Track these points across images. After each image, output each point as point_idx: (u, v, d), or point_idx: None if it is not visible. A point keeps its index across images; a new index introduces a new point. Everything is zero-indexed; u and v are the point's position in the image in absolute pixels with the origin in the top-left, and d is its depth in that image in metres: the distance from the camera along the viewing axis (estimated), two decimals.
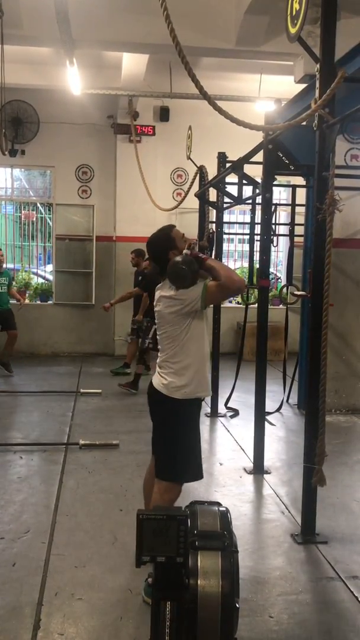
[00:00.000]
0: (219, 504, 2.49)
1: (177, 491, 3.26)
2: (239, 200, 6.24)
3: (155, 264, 3.36)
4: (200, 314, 3.21)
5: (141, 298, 7.74)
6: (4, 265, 9.05)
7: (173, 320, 3.19)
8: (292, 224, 7.38)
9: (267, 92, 8.83)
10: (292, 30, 3.45)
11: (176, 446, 3.22)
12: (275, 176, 5.30)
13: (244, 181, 5.91)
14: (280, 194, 10.61)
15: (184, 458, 3.23)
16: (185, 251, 3.18)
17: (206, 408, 6.87)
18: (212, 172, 7.13)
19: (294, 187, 7.43)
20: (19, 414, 6.89)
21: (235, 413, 6.79)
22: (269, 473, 5.03)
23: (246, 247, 9.37)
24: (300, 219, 7.52)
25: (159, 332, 3.30)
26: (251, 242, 7.24)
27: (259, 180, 5.42)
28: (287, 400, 7.29)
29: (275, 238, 7.10)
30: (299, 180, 7.27)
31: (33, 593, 3.16)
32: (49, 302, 10.59)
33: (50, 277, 11.14)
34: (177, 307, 3.15)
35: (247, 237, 7.95)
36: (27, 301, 10.12)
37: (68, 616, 2.98)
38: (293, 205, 7.38)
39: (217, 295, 3.26)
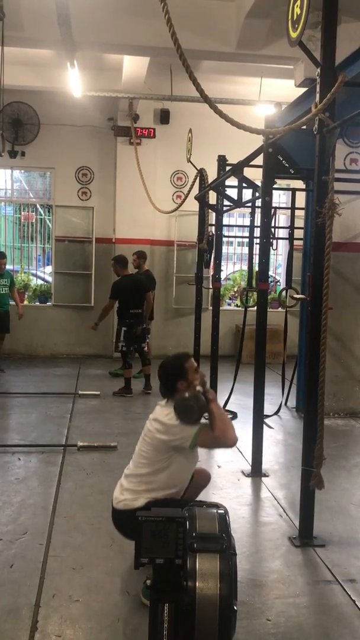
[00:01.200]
0: (217, 506, 2.49)
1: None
2: (238, 203, 6.26)
3: (162, 385, 3.37)
4: (187, 452, 3.21)
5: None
6: (7, 267, 9.01)
7: (158, 446, 3.19)
8: (291, 227, 7.39)
9: (268, 95, 8.85)
10: (293, 35, 3.46)
11: None
12: (275, 179, 5.31)
13: (244, 184, 5.93)
14: (279, 198, 10.63)
15: None
16: (198, 388, 3.21)
17: None
18: (212, 175, 7.15)
19: (293, 191, 7.45)
20: (17, 415, 6.88)
21: (234, 416, 6.78)
22: (267, 476, 5.03)
23: (245, 249, 9.38)
24: (299, 222, 7.53)
25: (140, 448, 3.30)
26: (250, 245, 7.26)
27: (259, 184, 5.43)
28: (286, 403, 7.29)
29: (274, 241, 7.11)
30: (299, 183, 7.28)
31: (30, 595, 3.15)
32: (48, 303, 10.59)
33: (50, 279, 11.14)
34: (166, 437, 3.16)
35: (247, 240, 7.97)
36: (25, 302, 10.14)
37: (65, 618, 2.97)
38: (293, 208, 7.40)
39: (207, 443, 3.28)
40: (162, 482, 3.19)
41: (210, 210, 7.35)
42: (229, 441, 3.19)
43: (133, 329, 7.67)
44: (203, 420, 3.19)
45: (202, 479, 3.56)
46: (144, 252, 8.88)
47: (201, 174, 7.43)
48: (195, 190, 7.67)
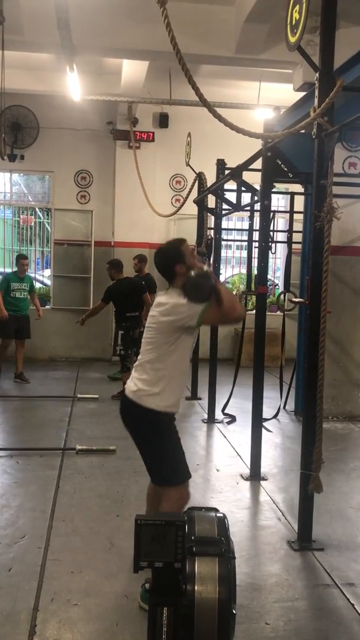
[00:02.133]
0: (216, 510, 2.49)
1: (184, 493, 3.24)
2: (237, 207, 6.27)
3: (161, 274, 3.35)
4: (191, 331, 3.20)
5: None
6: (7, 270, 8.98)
7: (164, 329, 3.16)
8: (290, 231, 7.40)
9: (266, 99, 8.88)
10: (292, 39, 3.48)
11: (157, 453, 3.22)
12: (274, 183, 5.32)
13: (243, 188, 5.93)
14: (278, 201, 10.65)
15: (169, 461, 3.22)
16: (205, 267, 3.20)
17: (203, 414, 6.87)
18: (210, 178, 7.16)
19: (292, 195, 7.47)
20: (16, 418, 6.88)
21: (232, 419, 6.79)
22: (266, 479, 5.03)
23: (244, 253, 9.39)
24: (298, 226, 7.55)
25: (146, 335, 3.28)
26: (249, 248, 7.26)
27: (258, 188, 5.44)
28: (284, 407, 7.29)
29: (273, 245, 7.12)
30: (298, 187, 7.29)
31: (29, 598, 3.15)
32: (47, 306, 10.58)
33: (48, 282, 11.15)
34: (172, 318, 3.13)
35: (246, 243, 7.98)
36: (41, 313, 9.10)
37: (64, 622, 2.97)
38: (291, 212, 7.42)
39: (215, 318, 3.25)
40: (170, 367, 3.16)
41: (209, 214, 7.36)
42: (237, 315, 3.16)
43: (130, 332, 7.68)
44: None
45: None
46: (145, 256, 8.88)
47: (200, 177, 7.44)
48: (194, 194, 7.68)
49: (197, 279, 3.10)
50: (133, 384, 3.24)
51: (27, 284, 8.69)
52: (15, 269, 8.98)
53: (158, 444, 3.22)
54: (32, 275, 11.38)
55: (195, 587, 2.13)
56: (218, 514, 2.43)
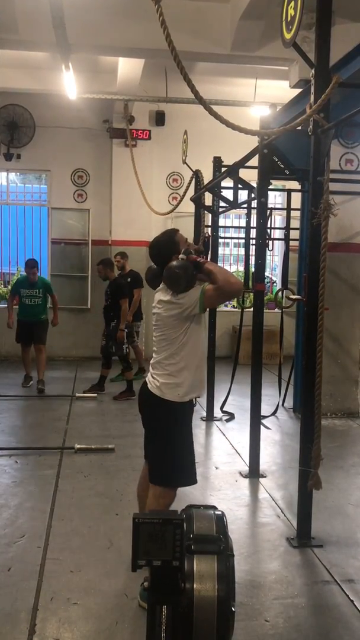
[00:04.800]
0: (214, 508, 2.49)
1: (172, 495, 3.27)
2: (234, 204, 6.26)
3: (156, 264, 3.37)
4: (199, 318, 3.24)
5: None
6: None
7: (172, 324, 3.20)
8: (287, 228, 7.40)
9: (262, 97, 8.87)
10: (287, 36, 3.47)
11: (171, 451, 3.23)
12: (271, 180, 5.32)
13: (240, 185, 5.93)
14: (275, 199, 10.64)
15: (179, 463, 3.23)
16: (181, 256, 3.19)
17: (202, 412, 6.87)
18: (207, 176, 7.15)
19: (289, 192, 7.46)
20: (14, 418, 6.87)
21: (231, 417, 6.79)
22: (265, 477, 5.04)
23: (241, 251, 9.38)
24: (295, 223, 7.54)
25: (156, 334, 3.31)
26: (247, 246, 7.26)
27: (254, 185, 5.44)
28: (283, 404, 7.30)
29: (270, 242, 7.11)
30: (294, 184, 7.29)
31: (28, 598, 3.15)
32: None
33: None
34: (176, 311, 3.18)
35: (243, 241, 7.97)
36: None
37: (63, 621, 2.97)
38: (288, 209, 7.41)
39: (215, 298, 3.26)
40: (187, 357, 3.21)
41: (206, 212, 7.36)
42: (234, 286, 3.15)
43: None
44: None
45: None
46: (126, 253, 8.87)
47: (197, 175, 7.42)
48: (191, 192, 7.66)
49: (171, 272, 3.12)
50: (155, 380, 3.27)
51: (38, 290, 8.19)
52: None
53: (175, 441, 3.23)
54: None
55: (194, 585, 2.13)
56: (216, 512, 2.42)
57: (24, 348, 8.29)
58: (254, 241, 5.61)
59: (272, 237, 8.17)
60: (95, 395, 7.63)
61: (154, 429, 3.31)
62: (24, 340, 8.25)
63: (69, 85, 7.79)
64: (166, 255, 3.27)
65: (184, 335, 3.20)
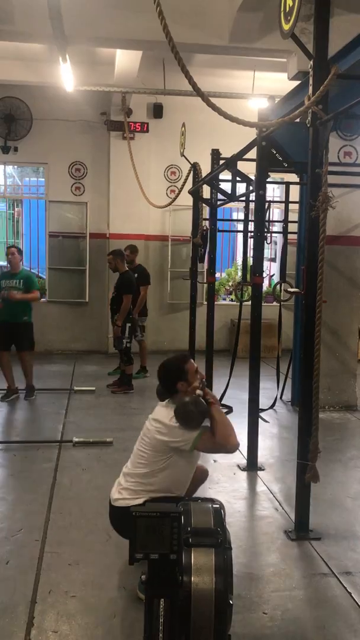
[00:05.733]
0: (212, 501, 2.49)
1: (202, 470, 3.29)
2: (232, 197, 6.24)
3: (162, 386, 3.35)
4: (186, 455, 3.18)
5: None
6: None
7: (157, 446, 3.16)
8: (285, 221, 7.38)
9: (261, 89, 8.82)
10: (286, 27, 3.45)
11: None
12: (269, 173, 5.30)
13: (238, 178, 5.90)
14: (273, 191, 10.61)
15: None
16: (198, 391, 3.17)
17: None
18: (205, 169, 7.13)
19: (287, 184, 7.44)
20: (12, 411, 6.86)
21: (229, 410, 6.79)
22: (263, 470, 5.04)
23: (240, 243, 9.37)
24: (293, 215, 7.52)
25: (139, 447, 3.26)
26: (245, 239, 7.24)
27: (253, 177, 5.42)
28: (281, 397, 7.30)
29: (268, 235, 7.09)
30: (293, 177, 7.27)
31: (27, 591, 3.15)
32: (43, 299, 10.53)
33: (44, 275, 11.10)
34: (167, 439, 3.13)
35: (241, 234, 7.95)
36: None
37: (62, 614, 2.97)
38: (286, 202, 7.39)
39: (208, 447, 3.24)
40: (160, 483, 3.16)
41: (204, 205, 7.34)
42: (230, 446, 3.17)
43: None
44: (205, 424, 3.16)
45: (200, 474, 3.54)
46: (136, 247, 8.78)
47: (195, 168, 7.40)
48: (189, 185, 7.64)
49: (188, 407, 3.07)
50: (118, 493, 3.24)
51: (19, 281, 7.03)
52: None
53: None
54: (28, 268, 11.36)
55: (192, 578, 2.13)
56: (214, 505, 2.43)
57: (1, 354, 7.07)
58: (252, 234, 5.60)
59: (270, 230, 8.15)
60: (93, 389, 7.61)
61: None
62: (0, 345, 7.04)
63: (66, 77, 7.74)
64: (172, 379, 3.26)
65: (164, 462, 3.15)
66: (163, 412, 3.23)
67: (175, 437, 3.12)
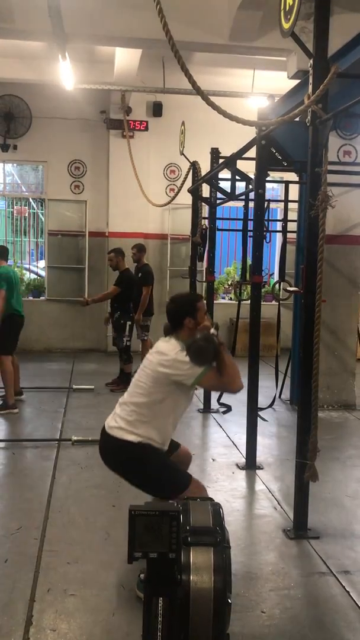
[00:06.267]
0: (211, 500, 2.49)
1: (197, 485, 3.19)
2: (232, 196, 6.24)
3: (169, 320, 3.32)
4: (185, 389, 3.15)
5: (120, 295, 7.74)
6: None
7: (158, 378, 3.12)
8: (285, 220, 7.37)
9: (260, 87, 8.82)
10: (286, 26, 3.44)
11: (149, 481, 3.15)
12: (268, 172, 5.29)
13: (237, 177, 5.90)
14: (273, 190, 10.61)
15: (165, 482, 3.15)
16: (212, 331, 3.16)
17: (199, 404, 6.88)
18: (205, 167, 7.12)
19: (287, 183, 7.42)
20: None
21: (228, 409, 6.76)
22: (262, 469, 5.04)
23: (239, 242, 9.34)
24: (293, 215, 7.52)
25: (138, 377, 3.23)
26: (244, 238, 7.23)
27: (252, 176, 5.41)
28: (280, 396, 7.30)
29: (267, 234, 7.08)
30: (292, 176, 7.25)
31: (25, 589, 3.15)
32: (42, 298, 10.56)
33: (43, 273, 11.11)
34: (170, 371, 3.09)
35: (240, 232, 7.93)
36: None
37: (60, 612, 2.97)
38: (286, 201, 7.38)
39: (212, 384, 3.22)
40: (154, 416, 3.12)
41: (203, 203, 7.33)
42: (236, 387, 3.15)
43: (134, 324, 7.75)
44: None
45: (184, 457, 3.49)
46: (144, 245, 8.75)
47: (194, 166, 7.39)
48: (189, 184, 7.63)
49: (202, 343, 3.05)
50: (114, 421, 3.21)
51: None
52: (10, 260, 7.75)
53: (145, 475, 3.15)
54: (27, 266, 11.37)
55: (191, 577, 2.13)
56: (213, 504, 2.43)
57: None
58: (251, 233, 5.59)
59: (269, 229, 8.14)
60: (92, 387, 7.61)
61: (129, 476, 3.21)
62: None
63: (66, 75, 7.73)
64: (181, 313, 3.23)
65: (162, 394, 3.11)
66: (166, 346, 3.18)
67: (178, 370, 3.07)
